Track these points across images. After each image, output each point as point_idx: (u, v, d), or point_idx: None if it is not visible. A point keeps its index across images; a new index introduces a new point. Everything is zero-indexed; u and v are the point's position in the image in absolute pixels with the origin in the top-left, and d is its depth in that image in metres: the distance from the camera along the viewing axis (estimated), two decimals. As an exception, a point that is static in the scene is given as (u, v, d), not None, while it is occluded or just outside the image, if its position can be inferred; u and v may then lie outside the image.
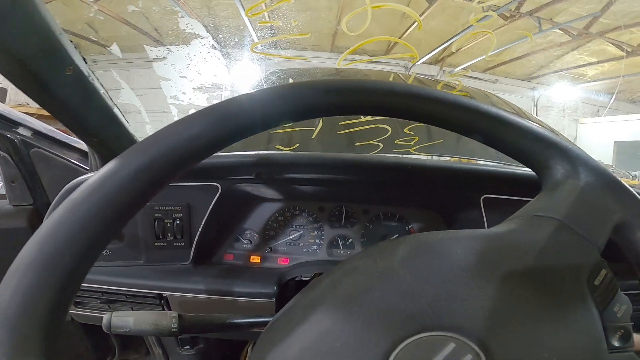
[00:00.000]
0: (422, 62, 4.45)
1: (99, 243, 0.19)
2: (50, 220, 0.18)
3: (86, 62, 0.51)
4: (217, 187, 0.55)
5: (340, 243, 0.63)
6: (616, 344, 0.22)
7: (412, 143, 0.87)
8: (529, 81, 5.37)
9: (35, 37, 0.41)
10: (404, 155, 0.80)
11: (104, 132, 0.58)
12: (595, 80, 5.00)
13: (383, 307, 0.20)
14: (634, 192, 0.27)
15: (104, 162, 0.65)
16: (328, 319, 0.21)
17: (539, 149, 0.29)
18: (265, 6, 0.67)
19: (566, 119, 5.64)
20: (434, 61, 4.60)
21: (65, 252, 0.17)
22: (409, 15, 3.72)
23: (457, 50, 3.90)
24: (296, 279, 0.58)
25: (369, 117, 0.83)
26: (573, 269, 0.23)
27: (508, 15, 3.55)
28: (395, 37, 4.08)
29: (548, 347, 0.19)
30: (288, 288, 0.58)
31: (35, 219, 0.73)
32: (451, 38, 3.76)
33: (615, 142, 5.15)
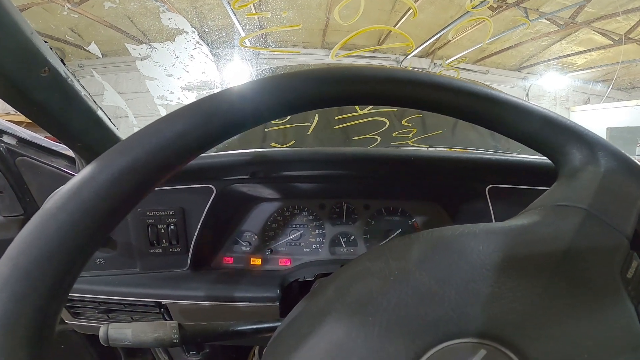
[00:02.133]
0: (413, 55, 4.45)
1: (81, 255, 0.17)
2: (23, 233, 0.16)
3: (64, 63, 0.49)
4: (212, 188, 0.53)
5: (343, 241, 0.62)
6: None
7: (410, 135, 0.85)
8: (520, 71, 5.41)
9: (3, 38, 0.38)
10: (403, 148, 0.78)
11: (88, 136, 0.55)
12: (584, 69, 5.06)
13: (401, 314, 0.18)
14: None
15: None
16: (340, 328, 0.19)
17: (553, 135, 0.27)
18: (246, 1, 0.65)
19: (558, 107, 5.69)
20: (425, 54, 4.60)
21: (43, 267, 0.15)
22: (398, 9, 3.71)
23: (453, 39, 3.90)
24: (299, 280, 0.56)
25: (365, 111, 0.81)
26: (605, 261, 0.21)
27: (495, 6, 3.56)
28: (385, 30, 4.08)
29: (587, 347, 0.17)
30: (291, 290, 0.56)
31: None
32: (444, 28, 3.77)
33: (607, 128, 5.21)
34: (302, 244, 0.62)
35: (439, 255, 0.21)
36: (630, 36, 4.01)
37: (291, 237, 0.62)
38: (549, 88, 5.46)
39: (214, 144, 0.22)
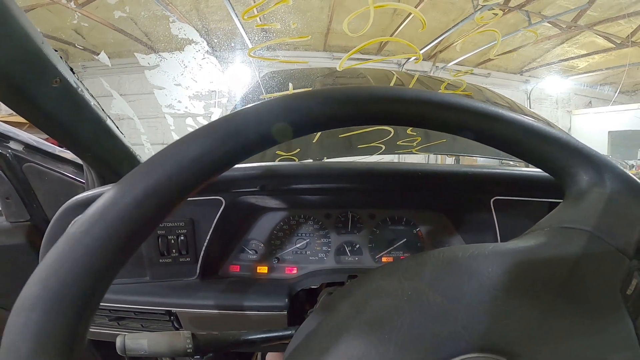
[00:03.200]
0: (415, 59, 4.45)
1: (107, 275, 0.18)
2: (52, 256, 0.17)
3: (74, 73, 0.49)
4: (221, 200, 0.54)
5: (348, 249, 0.62)
6: None
7: (414, 144, 0.86)
8: (521, 74, 5.40)
9: (15, 48, 0.38)
10: (409, 162, 0.79)
11: (98, 146, 0.56)
12: (586, 72, 5.05)
13: (415, 332, 0.19)
14: None
15: (100, 176, 0.62)
16: (358, 345, 0.20)
17: (561, 156, 0.28)
18: (257, 11, 0.65)
19: (559, 110, 5.68)
20: (427, 57, 4.60)
21: (71, 290, 0.16)
22: (399, 12, 3.72)
23: (457, 46, 3.91)
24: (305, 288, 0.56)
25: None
26: (606, 280, 0.23)
27: (497, 9, 3.55)
28: (386, 34, 4.08)
29: (581, 355, 0.19)
30: (298, 298, 0.56)
31: (34, 234, 0.71)
32: (443, 34, 3.77)
33: (609, 132, 5.19)
34: (308, 252, 0.62)
35: (451, 276, 0.22)
36: (632, 39, 4.01)
37: (297, 245, 0.62)
38: (551, 91, 5.45)
39: (232, 164, 0.22)
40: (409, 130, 0.84)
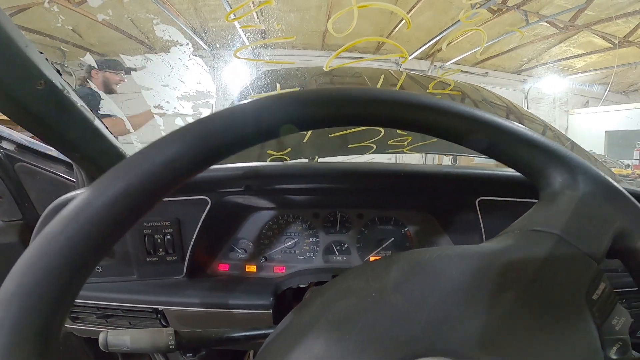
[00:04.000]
0: (413, 58, 4.45)
1: (81, 273, 0.18)
2: (28, 253, 0.18)
3: (60, 74, 0.49)
4: (207, 200, 0.54)
5: (336, 249, 0.63)
6: (614, 356, 0.22)
7: (405, 143, 0.86)
8: (519, 74, 5.40)
9: None
10: (394, 163, 0.80)
11: (86, 146, 0.56)
12: (583, 72, 5.06)
13: (375, 333, 0.20)
14: (634, 200, 0.27)
15: (89, 176, 0.63)
16: (319, 343, 0.20)
17: (535, 157, 0.28)
18: (244, 10, 0.65)
19: (557, 110, 5.69)
20: (425, 56, 4.61)
21: (45, 287, 0.17)
22: (397, 11, 3.72)
23: (446, 47, 3.91)
24: (292, 287, 0.57)
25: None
26: (571, 284, 0.23)
27: (495, 9, 3.56)
28: (384, 33, 4.08)
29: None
30: (285, 297, 0.57)
31: (26, 233, 0.71)
32: (440, 33, 3.77)
33: (606, 131, 5.21)
34: (297, 251, 0.62)
35: (415, 278, 0.22)
36: (630, 39, 4.02)
37: (286, 245, 0.63)
38: (548, 91, 5.46)
39: (204, 167, 0.23)
40: (399, 130, 0.84)
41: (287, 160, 0.88)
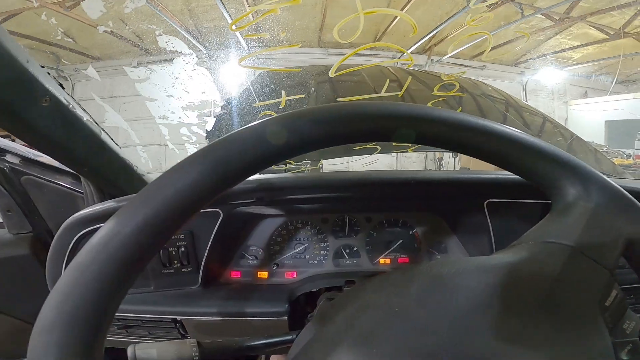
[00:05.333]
0: (410, 52, 4.44)
1: (116, 297, 0.20)
2: (64, 281, 0.19)
3: (63, 88, 0.49)
4: (219, 212, 0.55)
5: (345, 253, 0.63)
6: (625, 357, 0.23)
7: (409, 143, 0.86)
8: (516, 66, 5.40)
9: (0, 70, 0.38)
10: (402, 170, 0.80)
11: (94, 160, 0.56)
12: (580, 63, 5.06)
13: (400, 346, 0.20)
14: None
15: (98, 189, 0.63)
16: (348, 358, 0.21)
17: (548, 169, 0.29)
18: (253, 17, 0.65)
19: (556, 101, 5.70)
20: (422, 50, 4.60)
21: (85, 312, 0.18)
22: (394, 5, 3.71)
23: (451, 50, 3.90)
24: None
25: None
26: (585, 293, 0.24)
27: (491, 2, 3.55)
28: (381, 27, 4.07)
29: None
30: (298, 302, 0.58)
31: (37, 245, 0.72)
32: (436, 27, 3.76)
33: (606, 122, 5.22)
34: (307, 256, 0.63)
35: (436, 292, 0.23)
36: (625, 30, 4.02)
37: (296, 250, 0.63)
38: (546, 82, 5.46)
39: (229, 187, 0.23)
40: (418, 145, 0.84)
41: (292, 163, 0.88)
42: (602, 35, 4.24)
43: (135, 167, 0.66)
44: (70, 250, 0.52)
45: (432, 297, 0.23)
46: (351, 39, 0.67)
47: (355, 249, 0.63)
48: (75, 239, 0.52)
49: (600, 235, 0.26)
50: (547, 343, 0.21)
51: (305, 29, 4.09)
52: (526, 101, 5.06)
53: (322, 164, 1.57)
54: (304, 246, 0.63)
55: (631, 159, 4.38)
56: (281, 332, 0.43)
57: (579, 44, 4.60)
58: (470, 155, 0.30)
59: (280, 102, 0.74)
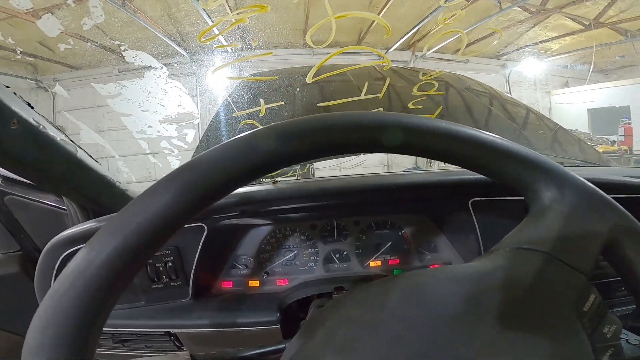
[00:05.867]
0: (394, 49, 4.47)
1: (98, 320, 0.21)
2: (45, 307, 0.20)
3: (32, 108, 0.47)
4: (203, 227, 0.55)
5: (335, 257, 0.64)
6: None
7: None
8: (498, 59, 5.49)
9: None
10: (385, 174, 0.81)
11: (72, 180, 0.55)
12: (560, 54, 5.18)
13: (375, 358, 0.21)
14: (621, 208, 0.28)
15: (80, 206, 0.62)
16: None
17: (523, 173, 0.29)
18: (218, 29, 0.65)
19: (538, 92, 5.82)
20: (406, 46, 4.63)
21: (69, 336, 0.19)
22: (375, 4, 3.72)
23: (427, 51, 3.93)
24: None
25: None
26: (562, 299, 0.24)
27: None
28: (363, 26, 4.08)
29: None
30: (290, 309, 0.58)
31: (27, 263, 0.71)
32: (418, 24, 3.80)
33: (588, 110, 5.35)
34: (297, 263, 0.63)
35: (410, 304, 0.23)
36: (600, 20, 4.12)
37: (286, 257, 0.63)
38: (528, 74, 5.57)
39: (199, 212, 0.24)
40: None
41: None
42: (578, 26, 4.34)
43: (117, 183, 0.65)
44: (56, 271, 0.52)
45: (406, 310, 0.23)
46: (323, 45, 0.67)
47: (345, 253, 0.64)
48: (60, 259, 0.52)
49: (576, 239, 0.26)
50: (525, 351, 0.21)
51: (292, 29, 4.08)
52: (510, 93, 5.15)
53: (312, 166, 1.55)
54: (293, 253, 0.63)
55: (615, 145, 4.50)
56: (274, 341, 0.43)
57: (557, 34, 4.70)
58: (443, 161, 0.30)
59: (259, 111, 0.74)
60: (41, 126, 0.47)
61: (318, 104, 0.85)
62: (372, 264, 0.64)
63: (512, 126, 1.51)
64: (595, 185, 0.29)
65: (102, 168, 0.61)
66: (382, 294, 0.25)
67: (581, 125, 5.27)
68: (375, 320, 0.23)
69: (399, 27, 4.05)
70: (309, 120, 0.26)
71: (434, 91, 0.86)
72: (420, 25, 3.77)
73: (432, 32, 4.04)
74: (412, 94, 0.88)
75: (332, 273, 0.62)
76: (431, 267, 0.62)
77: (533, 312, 0.23)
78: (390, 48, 4.55)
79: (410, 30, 3.89)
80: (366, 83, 0.83)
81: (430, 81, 0.90)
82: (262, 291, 0.61)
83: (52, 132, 0.49)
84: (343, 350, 0.22)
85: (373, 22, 3.92)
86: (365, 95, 0.79)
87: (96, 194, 0.62)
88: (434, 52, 4.51)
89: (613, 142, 4.59)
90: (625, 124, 4.57)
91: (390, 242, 0.65)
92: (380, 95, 0.83)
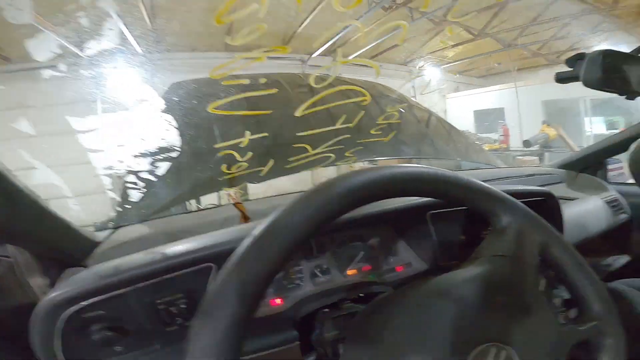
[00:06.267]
0: (318, 55, 4.64)
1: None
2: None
3: None
4: (211, 266, 0.57)
5: (318, 272, 0.71)
6: (562, 321, 0.39)
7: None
8: (406, 65, 6.15)
9: None
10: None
11: (10, 225, 0.47)
12: (454, 62, 6.07)
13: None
14: (547, 224, 0.44)
15: (33, 256, 0.56)
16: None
17: (487, 204, 0.43)
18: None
19: (436, 95, 6.71)
20: (328, 52, 4.85)
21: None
22: (299, 8, 3.81)
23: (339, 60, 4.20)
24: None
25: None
26: (526, 285, 0.38)
27: (387, 7, 3.99)
28: (294, 26, 4.15)
29: (530, 330, 0.35)
30: (289, 325, 0.63)
31: None
32: (342, 30, 4.02)
33: (474, 111, 6.41)
34: (285, 282, 0.68)
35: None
36: (485, 31, 4.99)
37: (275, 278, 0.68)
38: (429, 79, 6.38)
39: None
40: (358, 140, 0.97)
41: (245, 165, 0.91)
42: (468, 36, 5.17)
43: (75, 226, 0.61)
44: (62, 331, 0.48)
45: (407, 327, 0.35)
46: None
47: (325, 266, 0.71)
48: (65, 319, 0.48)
49: (525, 246, 0.41)
50: (510, 320, 0.34)
51: (209, 33, 3.89)
52: (415, 97, 5.83)
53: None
54: (280, 275, 0.68)
55: (497, 143, 5.53)
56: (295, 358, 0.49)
57: (452, 43, 5.51)
58: (423, 197, 0.45)
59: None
60: None
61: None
62: (349, 272, 0.72)
63: (428, 134, 1.80)
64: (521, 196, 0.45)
65: (41, 199, 0.53)
66: (382, 324, 0.36)
67: (468, 125, 6.30)
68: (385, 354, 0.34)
69: (321, 34, 4.22)
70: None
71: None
72: (336, 37, 4.00)
73: (351, 40, 4.32)
74: (377, 122, 1.03)
75: (320, 286, 0.69)
76: (396, 269, 0.74)
77: (515, 295, 0.37)
78: (312, 54, 4.72)
79: (328, 42, 4.09)
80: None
81: (393, 112, 1.05)
82: (263, 314, 0.64)
83: None
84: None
85: (297, 29, 4.02)
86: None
87: (54, 238, 0.57)
88: (354, 57, 4.82)
89: (495, 141, 5.62)
90: (503, 125, 5.66)
91: (362, 252, 0.74)
92: (352, 125, 0.95)
